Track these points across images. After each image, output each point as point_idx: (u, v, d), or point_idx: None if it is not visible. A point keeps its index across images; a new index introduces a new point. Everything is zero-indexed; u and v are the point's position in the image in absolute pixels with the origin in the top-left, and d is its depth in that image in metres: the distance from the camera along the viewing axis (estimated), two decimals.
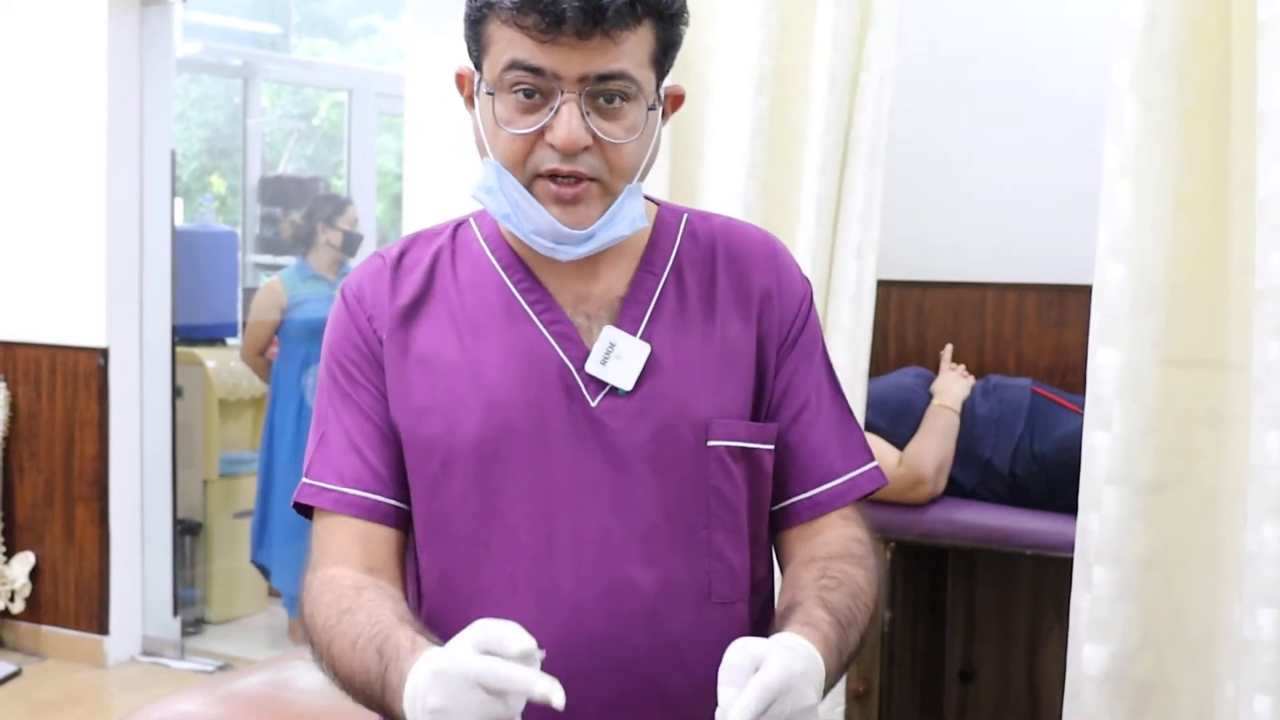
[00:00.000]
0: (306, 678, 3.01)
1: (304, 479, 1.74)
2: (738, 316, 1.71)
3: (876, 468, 1.78)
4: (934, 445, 3.59)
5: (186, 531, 6.28)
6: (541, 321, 1.68)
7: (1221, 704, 2.01)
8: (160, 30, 5.68)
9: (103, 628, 5.74)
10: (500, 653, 1.35)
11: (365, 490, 1.70)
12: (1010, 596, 3.96)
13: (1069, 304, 3.98)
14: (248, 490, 6.42)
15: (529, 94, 1.58)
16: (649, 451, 1.64)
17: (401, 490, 1.72)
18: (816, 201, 2.95)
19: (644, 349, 1.66)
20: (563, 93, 1.56)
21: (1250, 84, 1.97)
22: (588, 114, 1.57)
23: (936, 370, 3.87)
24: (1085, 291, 2.14)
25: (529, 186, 1.61)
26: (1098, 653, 2.04)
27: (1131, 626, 2.03)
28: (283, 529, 6.09)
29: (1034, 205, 4.06)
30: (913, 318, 4.17)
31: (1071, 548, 2.15)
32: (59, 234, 5.68)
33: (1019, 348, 4.10)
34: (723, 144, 2.89)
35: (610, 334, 1.66)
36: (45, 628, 5.84)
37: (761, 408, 1.72)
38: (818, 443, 1.74)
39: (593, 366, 1.65)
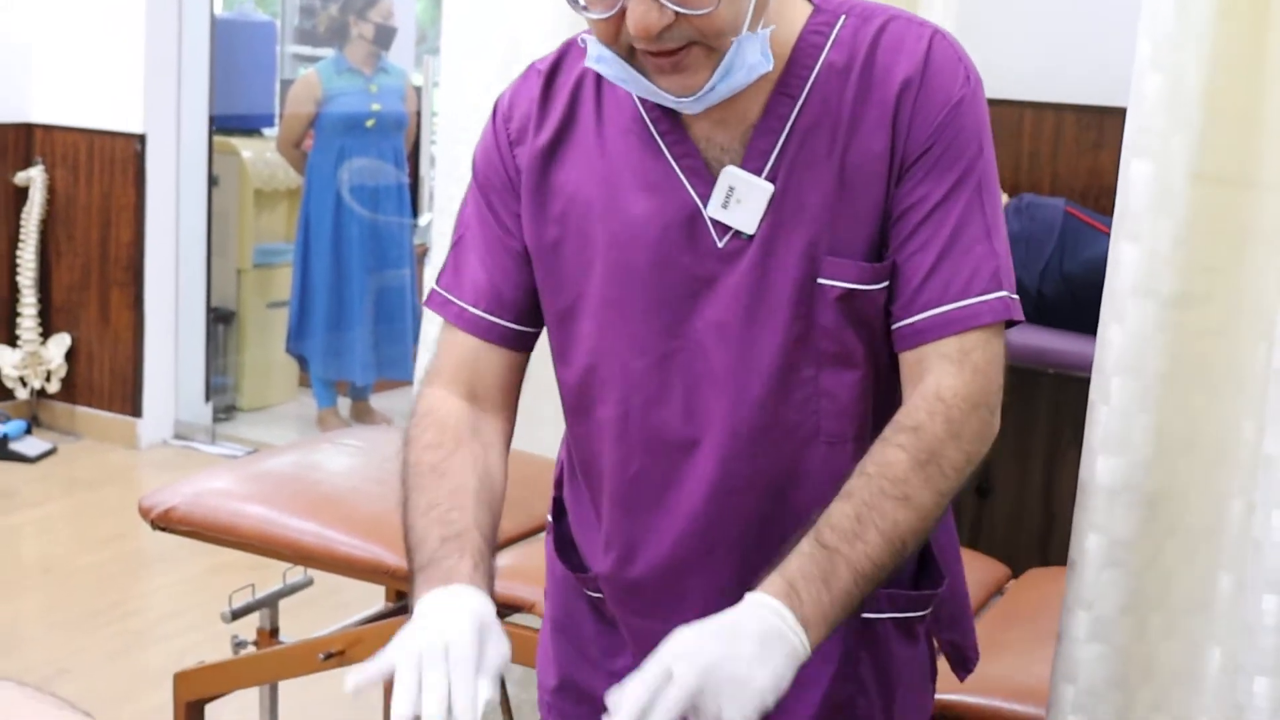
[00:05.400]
0: (335, 461, 3.08)
1: (435, 285, 1.73)
2: (870, 129, 1.57)
3: (1004, 299, 1.56)
4: None
5: (220, 319, 6.36)
6: (672, 156, 1.60)
7: (1230, 518, 2.04)
8: None
9: (136, 410, 5.85)
10: (487, 670, 1.41)
11: (486, 311, 1.68)
12: (1030, 415, 3.99)
13: (1107, 126, 3.96)
14: (281, 280, 6.48)
15: None
16: (763, 293, 1.58)
17: (527, 314, 1.70)
18: None
19: (766, 190, 1.56)
20: None
21: None
22: None
23: None
24: (1124, 114, 2.13)
25: (630, 59, 1.50)
26: (1111, 464, 2.06)
27: (1146, 438, 2.04)
28: (320, 320, 6.16)
29: (1077, 22, 4.01)
30: None
31: (1093, 368, 2.16)
32: (98, 19, 5.67)
33: (1055, 168, 4.08)
34: None
35: (729, 176, 1.57)
36: (80, 408, 5.94)
37: (886, 227, 1.59)
38: (928, 264, 1.56)
39: (714, 210, 1.58)
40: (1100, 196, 3.94)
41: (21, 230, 5.83)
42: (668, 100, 1.53)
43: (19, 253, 5.83)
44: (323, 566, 2.70)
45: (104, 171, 5.77)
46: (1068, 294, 3.59)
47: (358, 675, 1.40)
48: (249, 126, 6.76)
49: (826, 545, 1.46)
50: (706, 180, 1.59)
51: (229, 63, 6.29)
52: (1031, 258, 3.64)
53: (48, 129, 5.87)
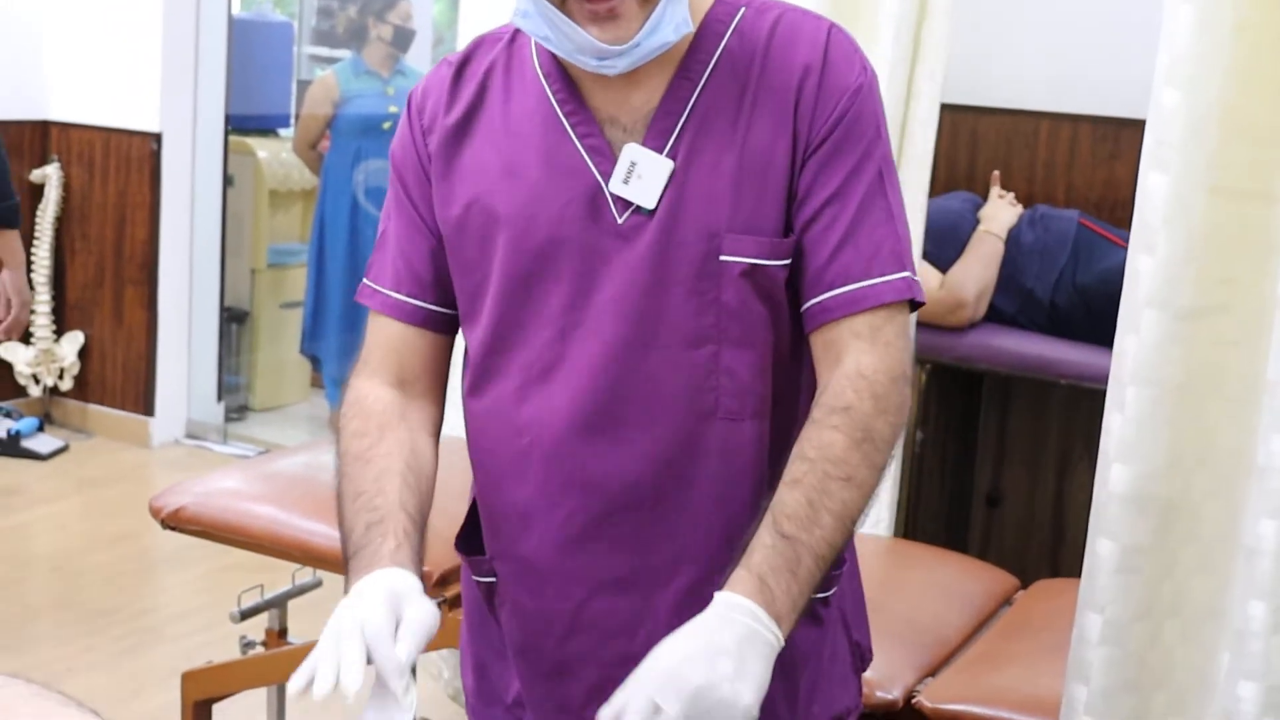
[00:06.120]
0: None
1: (364, 278, 1.78)
2: (770, 111, 1.62)
3: (906, 279, 1.61)
4: (977, 270, 3.60)
5: (233, 319, 6.36)
6: (576, 135, 1.65)
7: (1243, 528, 2.06)
8: None
9: (148, 409, 5.85)
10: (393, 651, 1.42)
11: (408, 295, 1.73)
12: (1042, 424, 3.99)
13: (1123, 137, 3.95)
14: (295, 281, 6.49)
15: None
16: (664, 268, 1.62)
17: (448, 296, 1.74)
18: (896, 21, 2.95)
19: (666, 166, 1.61)
20: None
21: None
22: None
23: (985, 197, 3.86)
24: (1140, 125, 2.13)
25: (562, 7, 1.55)
26: (1125, 472, 2.07)
27: (1160, 447, 2.06)
28: (334, 320, 6.16)
29: (1095, 33, 4.00)
30: (965, 143, 4.14)
31: (1106, 379, 2.17)
32: (116, 17, 5.68)
33: (1070, 179, 4.08)
34: None
35: (631, 152, 1.62)
36: (92, 406, 5.96)
37: (791, 207, 1.64)
38: (833, 244, 1.61)
39: (616, 186, 1.62)
40: (1115, 208, 3.93)
41: (36, 227, 5.84)
42: (589, 62, 1.58)
43: (33, 250, 5.84)
44: (332, 568, 2.70)
45: (119, 170, 5.78)
46: (1081, 305, 3.59)
47: (297, 678, 1.41)
48: (265, 127, 6.78)
49: (787, 535, 1.49)
50: (608, 158, 1.64)
51: (246, 63, 6.30)
52: (1045, 269, 3.64)
53: (64, 126, 5.88)
